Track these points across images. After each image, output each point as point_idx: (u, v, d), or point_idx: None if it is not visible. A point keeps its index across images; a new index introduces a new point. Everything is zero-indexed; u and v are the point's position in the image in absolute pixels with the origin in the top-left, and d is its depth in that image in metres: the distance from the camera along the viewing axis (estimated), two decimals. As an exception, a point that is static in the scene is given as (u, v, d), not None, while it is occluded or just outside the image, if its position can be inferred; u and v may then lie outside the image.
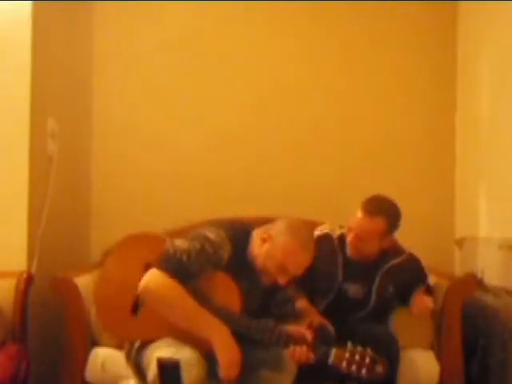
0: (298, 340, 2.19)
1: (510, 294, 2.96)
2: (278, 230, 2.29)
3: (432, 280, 2.92)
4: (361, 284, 2.76)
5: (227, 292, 2.21)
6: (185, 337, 2.13)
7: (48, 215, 2.92)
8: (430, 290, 2.85)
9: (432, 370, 2.81)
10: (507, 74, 3.15)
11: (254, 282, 2.29)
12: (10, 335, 2.55)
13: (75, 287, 2.74)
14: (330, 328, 2.55)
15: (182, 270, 2.14)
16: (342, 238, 2.81)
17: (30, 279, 2.68)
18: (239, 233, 2.32)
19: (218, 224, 2.32)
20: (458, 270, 3.55)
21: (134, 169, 3.62)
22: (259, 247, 2.28)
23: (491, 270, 3.15)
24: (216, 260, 2.20)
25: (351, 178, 3.66)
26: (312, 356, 2.18)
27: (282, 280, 2.27)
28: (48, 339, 2.95)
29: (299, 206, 3.52)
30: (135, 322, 2.24)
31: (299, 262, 2.27)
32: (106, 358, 2.70)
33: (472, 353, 3.01)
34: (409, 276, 2.81)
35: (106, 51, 3.64)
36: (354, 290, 2.76)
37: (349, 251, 2.76)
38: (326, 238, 2.84)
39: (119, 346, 2.71)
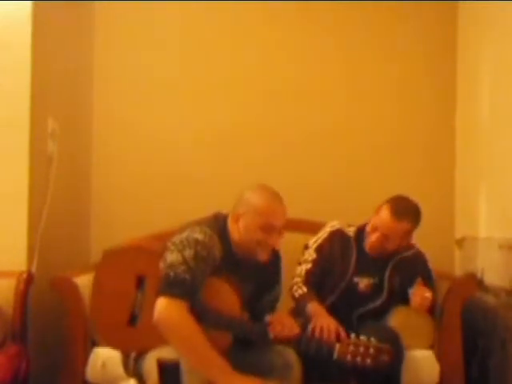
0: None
1: (510, 294, 2.96)
2: (244, 202, 2.27)
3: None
4: (372, 277, 2.81)
5: (224, 296, 2.17)
6: None
7: (48, 215, 2.92)
8: (431, 286, 2.84)
9: (432, 370, 2.81)
10: (507, 75, 3.15)
11: (246, 271, 2.25)
12: (9, 335, 2.55)
13: (75, 287, 2.74)
14: (338, 329, 2.49)
15: (188, 287, 2.07)
16: (358, 233, 2.87)
17: (30, 279, 2.67)
18: (221, 225, 2.28)
19: (199, 222, 2.27)
20: (458, 270, 3.55)
21: (134, 169, 3.61)
22: (236, 230, 2.25)
23: (491, 269, 3.15)
24: (212, 261, 2.14)
25: (351, 177, 3.66)
26: (297, 329, 2.21)
27: (276, 244, 2.27)
28: (48, 339, 2.95)
29: (299, 207, 3.51)
30: (134, 333, 2.23)
31: (281, 213, 2.28)
32: (107, 357, 2.68)
33: (472, 353, 3.01)
34: (413, 269, 2.85)
35: (106, 51, 3.64)
36: (363, 283, 2.81)
37: (367, 247, 2.81)
38: (338, 232, 2.89)
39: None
